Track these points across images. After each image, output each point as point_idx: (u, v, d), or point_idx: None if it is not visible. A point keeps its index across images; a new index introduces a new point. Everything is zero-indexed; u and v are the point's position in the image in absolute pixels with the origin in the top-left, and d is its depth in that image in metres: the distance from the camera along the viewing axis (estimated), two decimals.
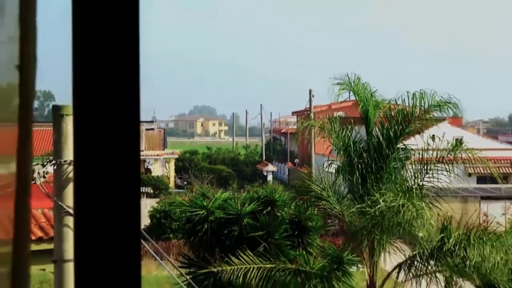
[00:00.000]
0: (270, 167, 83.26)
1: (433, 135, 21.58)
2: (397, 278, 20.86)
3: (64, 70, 1.86)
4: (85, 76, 1.79)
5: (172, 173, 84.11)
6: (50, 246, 10.46)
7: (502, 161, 58.61)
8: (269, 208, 21.91)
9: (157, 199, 49.57)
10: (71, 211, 9.82)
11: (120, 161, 1.84)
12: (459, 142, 22.37)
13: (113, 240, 1.84)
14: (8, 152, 1.73)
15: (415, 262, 20.46)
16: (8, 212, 1.74)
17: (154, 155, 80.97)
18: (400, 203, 19.53)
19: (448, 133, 23.12)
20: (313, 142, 40.02)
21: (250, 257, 19.99)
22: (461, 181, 29.31)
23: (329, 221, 22.82)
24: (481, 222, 23.71)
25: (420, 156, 21.49)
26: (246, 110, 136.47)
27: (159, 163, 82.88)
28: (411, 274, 20.56)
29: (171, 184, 78.11)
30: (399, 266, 20.67)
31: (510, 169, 60.65)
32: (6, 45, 1.71)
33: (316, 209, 22.04)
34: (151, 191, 65.67)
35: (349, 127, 21.95)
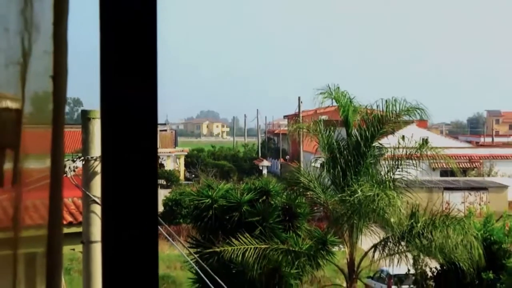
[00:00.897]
0: (265, 163, 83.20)
1: (403, 136, 21.68)
2: (373, 256, 20.88)
3: (91, 80, 1.85)
4: (111, 86, 1.78)
5: (182, 168, 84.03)
6: (79, 229, 10.44)
7: (461, 158, 58.57)
8: (264, 197, 21.93)
9: (169, 190, 49.49)
10: (97, 199, 9.82)
11: (140, 157, 1.84)
12: (425, 141, 22.47)
13: (134, 224, 1.83)
14: (44, 150, 1.73)
15: (388, 243, 20.49)
16: (43, 201, 1.74)
17: (167, 152, 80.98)
18: (375, 193, 19.61)
19: (415, 134, 23.20)
20: (301, 141, 39.98)
21: (248, 239, 20.03)
22: (426, 175, 29.36)
23: (315, 208, 22.78)
24: (444, 209, 23.70)
25: (392, 153, 21.53)
26: (245, 114, 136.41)
27: (171, 159, 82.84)
28: (384, 253, 20.60)
29: (181, 177, 78.04)
30: (375, 246, 20.68)
31: (468, 164, 60.66)
32: (41, 59, 1.70)
33: (304, 198, 22.08)
34: (164, 183, 65.58)
35: (332, 129, 21.98)
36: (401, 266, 21.39)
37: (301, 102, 59.71)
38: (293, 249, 20.58)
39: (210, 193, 22.17)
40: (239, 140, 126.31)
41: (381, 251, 20.64)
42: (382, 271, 28.73)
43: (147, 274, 1.88)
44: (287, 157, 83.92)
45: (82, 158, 9.98)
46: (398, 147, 21.61)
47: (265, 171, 75.19)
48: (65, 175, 9.64)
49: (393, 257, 20.57)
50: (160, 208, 41.90)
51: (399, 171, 21.35)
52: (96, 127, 9.86)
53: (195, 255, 20.33)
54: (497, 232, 21.41)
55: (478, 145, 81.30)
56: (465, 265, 19.65)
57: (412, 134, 22.36)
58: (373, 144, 21.18)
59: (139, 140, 1.84)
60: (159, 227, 2.32)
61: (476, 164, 62.30)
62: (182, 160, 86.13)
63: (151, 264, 1.87)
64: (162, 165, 77.57)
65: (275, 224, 21.27)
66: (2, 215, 1.74)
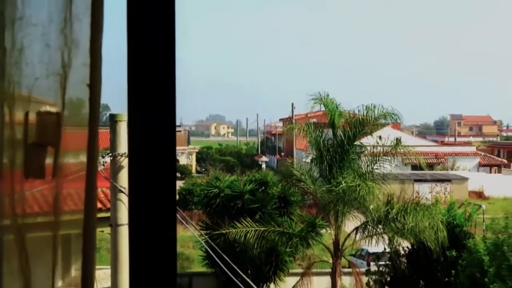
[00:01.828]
0: (264, 158, 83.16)
1: (380, 136, 21.70)
2: (355, 237, 20.87)
3: (118, 88, 1.84)
4: (136, 94, 1.78)
5: (193, 163, 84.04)
6: (107, 214, 10.43)
7: (429, 154, 58.57)
8: (263, 187, 22.00)
9: (183, 181, 49.42)
10: (122, 189, 9.82)
11: (160, 153, 1.83)
12: (398, 140, 22.50)
13: (156, 209, 1.83)
14: (81, 147, 1.72)
15: (368, 226, 20.48)
16: (80, 190, 1.73)
17: (181, 150, 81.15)
18: (357, 183, 19.62)
19: (390, 135, 23.21)
20: (294, 140, 40.03)
21: (249, 223, 20.06)
22: (399, 169, 29.35)
23: (306, 196, 22.81)
24: (414, 198, 23.65)
25: (371, 151, 21.55)
26: (247, 118, 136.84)
27: (184, 155, 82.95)
28: (364, 235, 20.60)
29: (193, 170, 78.07)
30: (356, 229, 20.67)
31: (434, 160, 60.66)
32: (80, 70, 1.70)
33: (296, 188, 22.15)
34: (179, 175, 65.62)
35: (320, 130, 21.99)
36: (378, 246, 21.42)
37: (294, 107, 59.75)
38: (287, 231, 20.61)
39: (217, 184, 22.23)
40: (242, 139, 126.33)
41: (362, 233, 20.64)
42: (362, 249, 28.76)
43: (166, 252, 1.88)
44: (282, 153, 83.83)
45: (110, 154, 9.99)
46: (376, 146, 21.67)
47: (264, 166, 75.18)
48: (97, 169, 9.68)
49: (371, 238, 20.60)
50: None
51: (376, 165, 21.38)
52: (122, 128, 9.89)
53: (205, 236, 20.36)
54: (459, 217, 21.40)
55: (443, 144, 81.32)
56: (432, 245, 19.65)
57: (387, 134, 22.43)
58: (355, 143, 21.20)
59: (159, 139, 1.84)
60: None
61: (441, 160, 62.31)
62: (194, 156, 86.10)
63: (170, 243, 1.87)
64: (177, 161, 77.44)
65: (272, 210, 21.33)
66: (44, 202, 1.74)
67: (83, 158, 1.72)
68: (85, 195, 1.72)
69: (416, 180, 49.39)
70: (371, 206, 20.26)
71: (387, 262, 22.34)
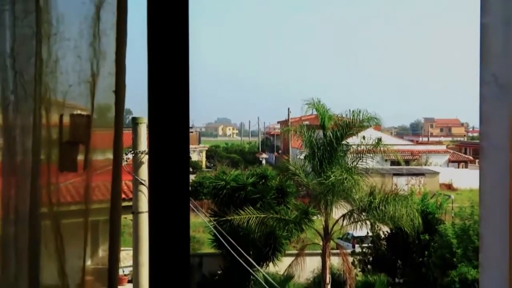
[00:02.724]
0: (264, 155, 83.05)
1: (364, 136, 21.71)
2: (342, 223, 20.87)
3: (139, 95, 1.84)
4: (155, 101, 1.78)
5: (204, 159, 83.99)
6: (129, 203, 10.44)
7: (405, 152, 58.45)
8: (263, 180, 22.00)
9: (195, 175, 49.41)
10: (142, 182, 9.83)
11: (175, 151, 1.82)
12: (379, 140, 22.50)
13: (171, 199, 1.82)
14: (108, 145, 1.72)
15: (353, 214, 20.47)
16: (107, 182, 1.73)
17: (193, 148, 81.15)
18: (344, 177, 19.63)
19: (372, 135, 23.19)
20: (290, 140, 40.00)
21: (251, 211, 20.07)
22: (380, 164, 29.34)
23: (300, 188, 22.77)
24: (393, 189, 23.64)
25: (356, 149, 21.55)
26: (249, 120, 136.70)
27: (196, 153, 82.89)
28: (350, 221, 20.59)
29: (203, 166, 77.99)
30: (343, 216, 20.66)
31: (410, 157, 60.60)
32: (107, 78, 1.70)
33: (292, 181, 22.11)
34: (191, 170, 65.53)
35: (312, 131, 21.98)
36: (362, 230, 21.42)
37: (290, 112, 59.73)
38: (284, 218, 20.61)
39: (224, 177, 22.24)
40: (245, 139, 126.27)
41: (348, 220, 20.64)
42: (348, 234, 28.68)
43: (180, 235, 1.87)
44: (280, 151, 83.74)
45: (133, 152, 10.00)
46: (360, 144, 21.68)
47: (264, 162, 75.07)
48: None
49: (356, 224, 20.60)
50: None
51: (361, 161, 21.38)
52: (142, 129, 9.93)
53: (213, 222, 20.38)
54: (431, 206, 21.42)
55: (418, 143, 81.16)
56: (408, 230, 19.66)
57: (370, 135, 22.44)
58: (342, 142, 21.20)
59: (174, 139, 1.83)
60: None
61: (416, 157, 62.24)
62: (204, 154, 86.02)
63: (184, 228, 1.86)
64: (189, 157, 77.40)
65: (271, 199, 21.32)
66: (76, 193, 1.73)
67: (110, 155, 1.72)
68: (111, 186, 1.72)
69: (394, 174, 49.28)
70: (356, 197, 20.28)
71: (370, 245, 22.38)
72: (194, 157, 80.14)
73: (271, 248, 21.45)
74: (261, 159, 78.57)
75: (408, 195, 21.86)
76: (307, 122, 24.23)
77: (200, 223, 28.50)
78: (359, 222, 20.58)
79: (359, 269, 21.93)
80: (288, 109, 60.92)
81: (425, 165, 60.20)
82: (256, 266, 18.80)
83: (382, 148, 22.36)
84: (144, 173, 9.86)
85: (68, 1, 1.69)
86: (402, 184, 44.25)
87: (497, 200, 2.15)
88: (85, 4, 1.68)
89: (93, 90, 1.69)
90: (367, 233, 22.02)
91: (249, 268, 16.98)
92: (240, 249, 16.55)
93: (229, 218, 20.18)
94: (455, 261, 18.94)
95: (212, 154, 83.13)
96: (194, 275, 22.09)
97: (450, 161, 64.61)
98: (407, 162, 57.06)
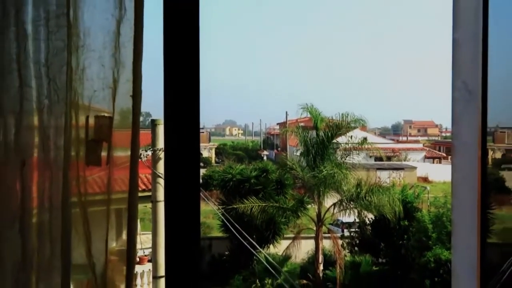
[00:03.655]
0: (265, 152, 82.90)
1: (351, 136, 21.72)
2: (333, 211, 20.88)
3: (158, 100, 1.83)
4: (170, 105, 1.78)
5: (213, 155, 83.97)
6: (149, 193, 10.45)
7: (387, 150, 58.41)
8: (264, 174, 21.99)
9: (205, 169, 49.38)
10: (160, 175, 9.83)
11: (188, 148, 1.82)
12: (364, 139, 22.50)
13: (185, 190, 1.81)
14: (127, 144, 1.72)
15: (342, 203, 20.49)
16: (126, 176, 1.73)
17: (204, 146, 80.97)
18: (334, 171, 19.63)
19: (358, 135, 23.19)
20: (288, 139, 40.01)
21: (254, 200, 20.13)
22: (365, 160, 29.31)
23: (296, 181, 22.78)
24: (377, 182, 23.64)
25: (344, 147, 21.57)
26: (253, 122, 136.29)
27: (206, 150, 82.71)
28: (340, 209, 20.63)
29: (213, 161, 77.89)
30: (334, 205, 20.67)
31: (391, 154, 60.55)
32: (125, 84, 1.70)
33: (289, 174, 22.09)
34: (202, 164, 65.45)
35: (307, 131, 22.00)
36: (350, 217, 21.42)
37: (288, 115, 59.77)
38: (283, 206, 20.64)
39: (230, 171, 22.25)
40: (249, 138, 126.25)
41: (338, 208, 20.66)
42: (338, 220, 28.63)
43: (192, 221, 1.87)
44: (279, 149, 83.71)
45: (152, 149, 10.01)
46: (348, 143, 21.69)
47: (265, 158, 75.00)
48: (140, 159, 9.77)
49: (345, 211, 20.62)
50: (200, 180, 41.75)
51: (349, 157, 21.40)
52: (160, 130, 9.93)
53: (221, 210, 20.38)
54: (410, 196, 21.37)
55: (398, 141, 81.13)
56: (390, 216, 19.66)
57: (357, 135, 22.46)
58: (333, 141, 21.23)
59: (187, 138, 1.83)
60: None
61: (396, 153, 62.18)
62: (213, 151, 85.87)
63: (195, 215, 1.85)
64: (200, 154, 77.38)
65: (271, 190, 21.32)
66: (101, 184, 1.73)
67: (128, 152, 1.72)
68: (129, 179, 1.72)
69: (378, 169, 49.20)
70: (345, 188, 20.29)
71: (357, 229, 22.36)
72: (204, 153, 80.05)
73: (271, 232, 21.46)
74: (262, 156, 78.51)
75: (389, 187, 21.86)
76: (302, 124, 24.23)
77: (210, 210, 28.52)
78: (348, 210, 20.60)
79: (347, 251, 21.92)
80: (286, 112, 60.86)
81: (405, 161, 60.17)
82: (258, 248, 18.80)
83: (367, 146, 22.40)
84: (161, 167, 9.86)
85: (93, 18, 1.69)
86: (385, 177, 44.18)
87: (467, 191, 2.14)
88: (107, 20, 1.68)
89: (114, 95, 1.69)
90: (355, 219, 22.01)
91: (252, 250, 16.98)
92: (244, 233, 16.55)
93: (235, 206, 20.20)
94: (430, 244, 18.92)
95: (220, 151, 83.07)
96: (205, 256, 22.10)
97: (426, 157, 64.59)
98: (388, 158, 57.06)
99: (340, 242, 21.45)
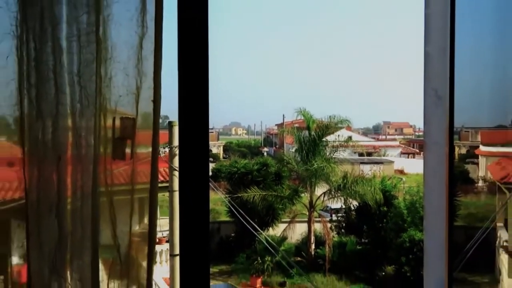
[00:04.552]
0: (265, 149, 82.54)
1: (338, 135, 21.72)
2: (323, 199, 20.88)
3: (174, 104, 1.83)
4: (184, 109, 1.77)
5: (221, 152, 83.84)
6: (166, 184, 10.44)
7: (369, 146, 58.36)
8: (265, 167, 21.94)
9: (214, 163, 49.29)
10: (176, 168, 9.83)
11: (199, 146, 1.81)
12: (349, 138, 22.53)
13: (196, 181, 1.81)
14: (148, 142, 1.72)
15: (331, 192, 20.48)
16: (147, 169, 1.72)
17: (213, 143, 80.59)
18: (324, 165, 19.63)
19: (344, 134, 23.18)
20: (284, 138, 40.02)
21: (256, 190, 20.11)
22: (350, 155, 29.26)
23: (292, 173, 22.78)
24: (360, 174, 23.60)
25: (332, 144, 21.56)
26: (255, 124, 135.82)
27: (215, 147, 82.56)
28: (329, 197, 20.63)
29: (221, 157, 77.79)
30: (324, 193, 20.67)
31: (372, 150, 60.46)
32: (147, 91, 1.70)
33: (286, 168, 22.07)
34: (211, 159, 65.26)
35: (301, 131, 22.00)
36: (337, 204, 21.41)
37: (284, 117, 59.71)
38: (280, 195, 20.61)
39: (236, 165, 22.21)
40: (252, 137, 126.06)
41: (327, 196, 20.66)
42: (327, 206, 28.62)
43: (202, 207, 1.86)
44: (277, 146, 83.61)
45: (168, 146, 10.01)
46: (336, 141, 21.68)
47: (265, 154, 74.86)
48: (159, 155, 9.79)
49: (333, 199, 20.62)
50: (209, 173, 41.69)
51: (336, 153, 21.39)
52: (175, 130, 9.92)
53: (228, 198, 20.38)
54: (388, 186, 21.34)
55: (378, 140, 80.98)
56: (371, 203, 19.65)
57: (343, 134, 22.45)
58: (323, 139, 21.22)
59: (199, 137, 1.82)
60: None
61: (377, 150, 62.12)
62: (221, 148, 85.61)
63: (205, 202, 1.85)
64: (210, 150, 77.06)
65: (271, 181, 21.28)
66: (125, 176, 1.73)
67: (149, 149, 1.72)
68: (151, 172, 1.72)
69: (361, 163, 49.09)
70: (333, 179, 20.28)
71: (343, 214, 22.35)
72: (214, 150, 79.78)
73: (271, 217, 21.46)
74: (263, 152, 78.26)
75: (371, 178, 21.83)
76: (297, 125, 24.24)
77: (218, 198, 28.51)
78: (335, 198, 20.60)
79: (335, 232, 21.92)
80: (283, 115, 60.78)
81: (384, 156, 60.10)
82: (260, 230, 18.81)
83: (352, 144, 22.44)
84: (176, 162, 9.86)
85: (119, 34, 1.69)
86: (367, 170, 44.11)
87: (436, 181, 2.14)
88: (131, 36, 1.68)
89: (137, 100, 1.69)
90: (341, 206, 22.01)
91: (254, 232, 16.99)
92: (247, 218, 16.55)
93: (240, 195, 20.18)
94: (405, 226, 18.92)
95: (227, 148, 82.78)
96: (214, 237, 22.11)
97: (402, 153, 64.45)
98: (370, 154, 56.99)
99: (329, 225, 21.47)
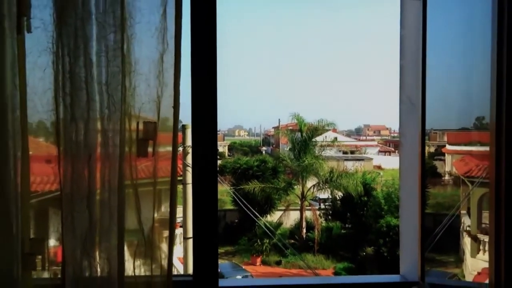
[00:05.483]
0: (264, 148, 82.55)
1: (326, 136, 21.72)
2: (312, 190, 20.89)
3: (187, 109, 1.84)
4: (196, 114, 1.78)
5: (226, 151, 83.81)
6: (180, 178, 10.39)
7: (352, 146, 58.27)
8: (263, 164, 21.93)
9: (221, 160, 49.14)
10: (189, 165, 9.80)
11: (209, 145, 1.82)
12: (335, 138, 22.57)
13: (206, 175, 1.81)
14: (167, 142, 1.72)
15: (319, 184, 20.47)
16: (166, 165, 1.73)
17: (220, 143, 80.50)
18: (313, 161, 19.64)
19: (331, 135, 23.21)
20: (280, 138, 40.03)
21: (256, 182, 20.10)
22: (336, 154, 29.23)
23: (286, 168, 22.80)
24: (344, 169, 23.61)
25: (321, 144, 21.57)
26: (255, 127, 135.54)
27: (221, 146, 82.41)
28: (318, 188, 20.63)
29: (226, 155, 77.73)
30: (313, 186, 20.66)
31: (354, 149, 60.33)
32: (167, 99, 1.71)
33: (281, 164, 22.07)
34: (218, 157, 65.05)
35: (294, 133, 22.02)
36: (325, 194, 21.42)
37: (280, 120, 59.59)
38: (276, 187, 20.59)
39: (239, 162, 22.22)
40: (252, 138, 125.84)
41: (316, 188, 20.66)
42: (316, 196, 28.60)
43: (211, 198, 1.86)
44: (274, 146, 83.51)
45: (182, 146, 9.99)
46: (323, 141, 21.70)
47: (264, 152, 74.77)
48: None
49: (322, 190, 20.62)
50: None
51: (324, 152, 21.40)
52: (188, 132, 9.87)
53: (232, 189, 20.39)
54: (368, 179, 21.34)
55: (359, 140, 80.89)
56: (354, 194, 19.66)
57: (329, 135, 22.48)
58: (313, 140, 21.23)
59: (208, 138, 1.82)
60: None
61: (358, 149, 62.03)
62: (226, 147, 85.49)
63: (213, 193, 1.85)
64: (217, 149, 76.80)
65: (268, 176, 21.28)
66: (147, 171, 1.73)
67: (169, 148, 1.73)
68: (171, 168, 1.72)
69: (345, 160, 49.02)
70: (321, 174, 20.28)
71: (330, 203, 22.36)
72: (220, 149, 79.50)
73: (268, 206, 21.47)
74: (262, 151, 78.19)
75: (353, 173, 21.83)
76: (290, 128, 24.24)
77: (224, 190, 28.50)
78: (323, 189, 20.59)
79: (323, 219, 21.93)
80: (279, 119, 60.85)
81: (364, 154, 60.05)
82: (259, 216, 18.82)
83: (337, 144, 22.46)
84: (189, 159, 9.83)
85: (142, 50, 1.71)
86: (350, 166, 44.05)
87: (410, 175, 2.15)
88: (152, 52, 1.69)
89: (159, 106, 1.70)
90: (328, 196, 22.02)
91: (255, 218, 16.99)
92: (249, 206, 16.56)
93: (242, 187, 20.19)
94: (383, 214, 18.92)
95: (231, 147, 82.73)
96: (221, 223, 22.12)
97: (379, 151, 64.37)
98: (352, 152, 56.91)
99: (318, 212, 21.48)
